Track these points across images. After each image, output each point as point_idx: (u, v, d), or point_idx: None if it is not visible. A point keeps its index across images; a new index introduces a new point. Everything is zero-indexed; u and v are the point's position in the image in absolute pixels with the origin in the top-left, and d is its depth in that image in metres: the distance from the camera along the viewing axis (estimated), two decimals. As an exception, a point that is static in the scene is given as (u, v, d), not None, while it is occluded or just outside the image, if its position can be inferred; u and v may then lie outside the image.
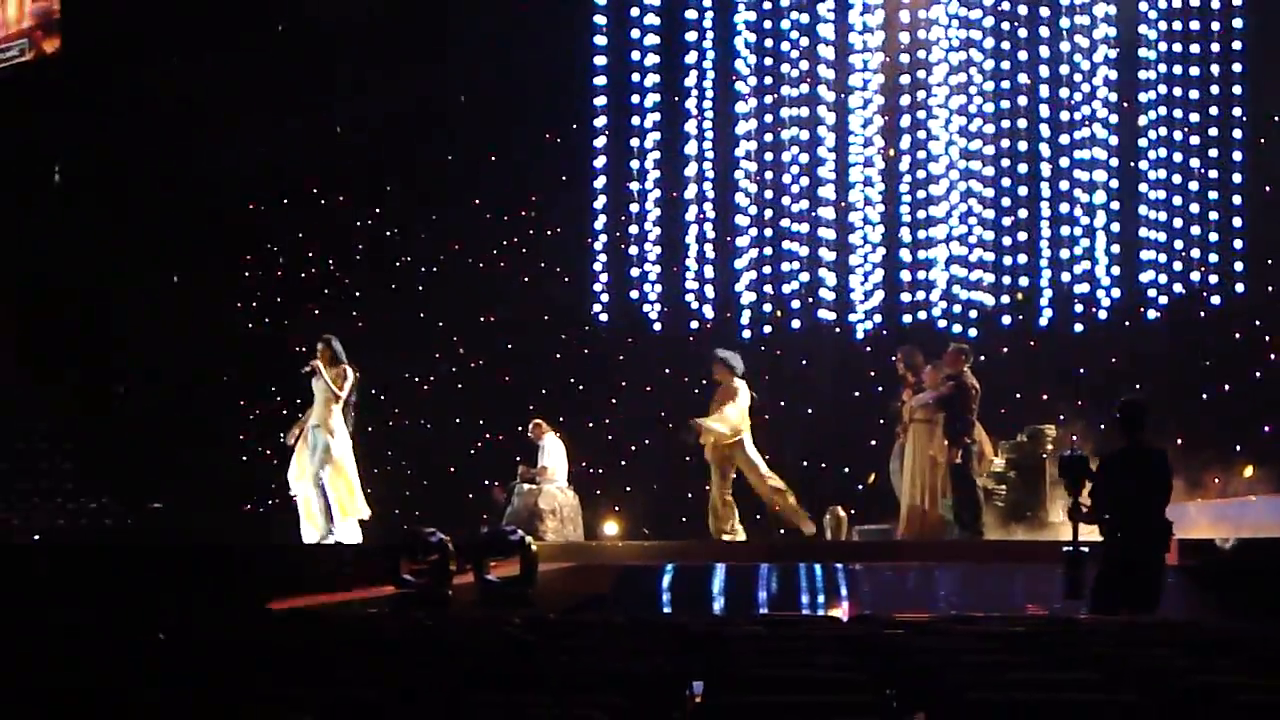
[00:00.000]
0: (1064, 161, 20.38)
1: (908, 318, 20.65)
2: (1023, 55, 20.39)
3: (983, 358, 17.52)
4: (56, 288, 23.66)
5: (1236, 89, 20.00)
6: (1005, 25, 20.42)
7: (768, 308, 21.20)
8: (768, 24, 21.09)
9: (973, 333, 19.89)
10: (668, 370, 21.63)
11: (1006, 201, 20.48)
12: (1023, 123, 20.43)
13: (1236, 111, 20.02)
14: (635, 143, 21.44)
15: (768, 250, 21.26)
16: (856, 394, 20.44)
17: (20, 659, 7.07)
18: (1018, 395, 19.25)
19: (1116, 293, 20.17)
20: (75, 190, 24.45)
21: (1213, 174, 20.02)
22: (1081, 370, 19.96)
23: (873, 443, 18.70)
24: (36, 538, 21.26)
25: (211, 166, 22.03)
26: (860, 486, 19.32)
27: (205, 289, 22.75)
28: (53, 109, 23.73)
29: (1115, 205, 20.21)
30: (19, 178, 24.98)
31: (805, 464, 20.17)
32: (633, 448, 21.59)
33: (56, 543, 20.77)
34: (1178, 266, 20.07)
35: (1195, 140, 20.09)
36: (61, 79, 23.45)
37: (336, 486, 16.90)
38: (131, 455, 22.39)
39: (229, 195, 22.55)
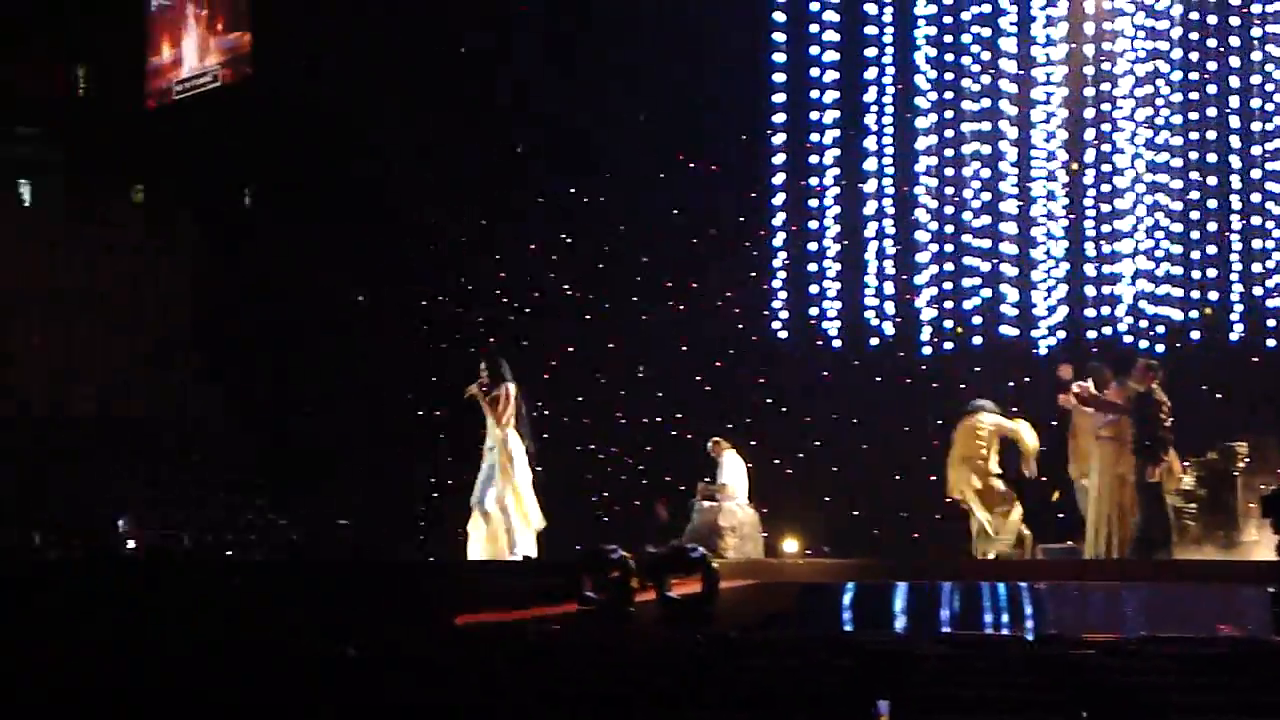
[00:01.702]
0: (1255, 173, 19.95)
1: (1093, 333, 20.34)
2: (1211, 65, 20.00)
3: (1171, 373, 17.18)
4: (245, 306, 24.18)
5: None
6: (1193, 35, 20.05)
7: (949, 324, 21.00)
8: (948, 38, 20.91)
9: (1160, 348, 19.54)
10: (847, 387, 21.52)
11: (1195, 214, 20.09)
12: (1211, 134, 20.03)
13: None
14: (814, 159, 21.37)
15: (949, 266, 21.06)
16: (1040, 410, 20.15)
17: (213, 674, 7.21)
18: (1207, 412, 18.85)
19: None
20: (265, 210, 24.99)
21: None
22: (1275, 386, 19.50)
23: (1057, 458, 18.42)
24: (229, 554, 21.71)
25: (395, 189, 22.38)
26: (1047, 504, 19.05)
27: (391, 308, 23.09)
28: (242, 132, 24.27)
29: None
30: (211, 199, 25.61)
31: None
32: (812, 465, 21.49)
33: (247, 559, 21.18)
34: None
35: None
36: (252, 103, 23.96)
37: (518, 508, 17.03)
38: (319, 472, 22.76)
39: (413, 215, 22.87)
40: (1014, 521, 17.56)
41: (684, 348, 22.17)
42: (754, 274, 21.89)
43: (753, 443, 20.03)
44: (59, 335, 27.05)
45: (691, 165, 22.04)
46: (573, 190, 22.63)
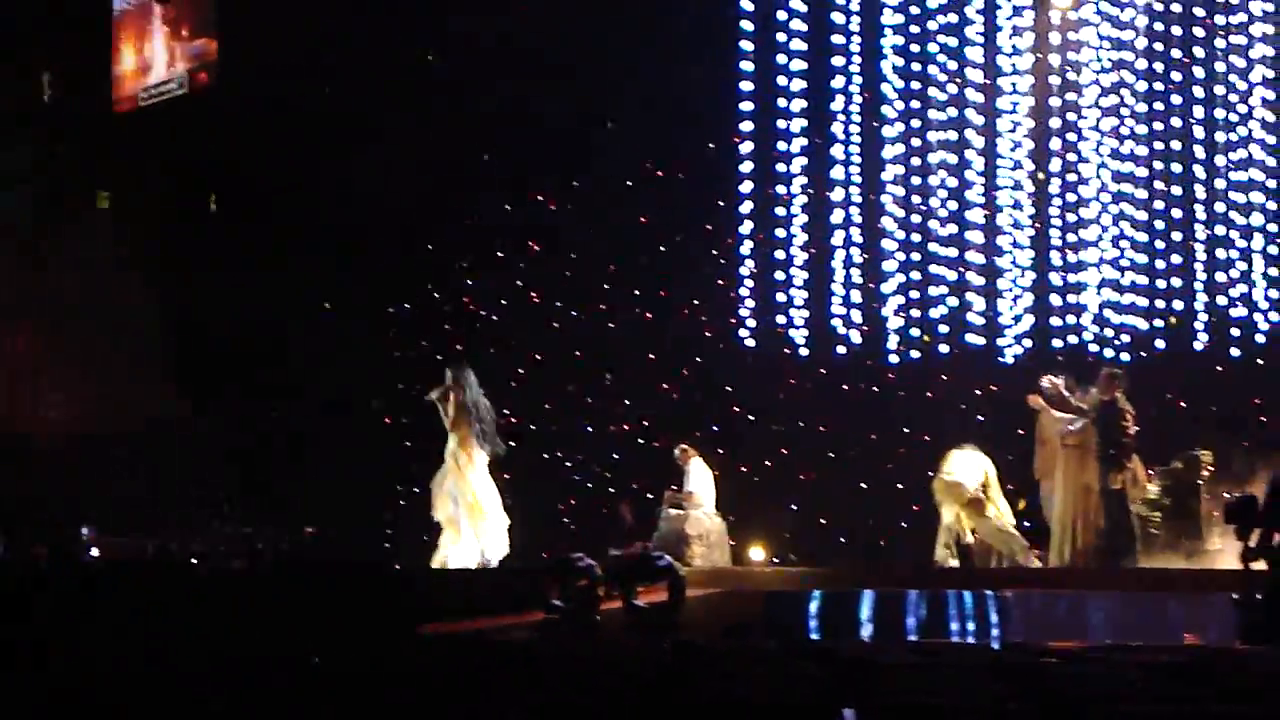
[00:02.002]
0: (1219, 183, 20.03)
1: (1058, 342, 20.40)
2: (1176, 76, 20.07)
3: (1136, 382, 17.25)
4: (212, 314, 24.10)
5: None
6: (1158, 46, 20.12)
7: (915, 332, 21.05)
8: (915, 48, 20.96)
9: (1125, 357, 19.61)
10: (814, 395, 21.55)
11: (1160, 224, 20.15)
12: (1176, 144, 20.10)
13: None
14: (781, 167, 21.40)
15: (915, 274, 21.10)
16: (1006, 419, 20.22)
17: (179, 679, 7.18)
18: (1172, 420, 18.92)
19: (1275, 316, 19.76)
20: (231, 218, 24.91)
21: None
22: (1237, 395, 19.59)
23: (1023, 469, 18.47)
24: (194, 561, 21.62)
25: (363, 193, 22.34)
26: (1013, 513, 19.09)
27: (359, 315, 23.05)
28: (208, 139, 24.19)
29: (1273, 227, 19.82)
30: (176, 206, 25.51)
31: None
32: (779, 473, 21.52)
33: (215, 566, 21.10)
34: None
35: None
36: (217, 110, 23.90)
37: (471, 512, 17.03)
38: (287, 480, 22.71)
39: (380, 221, 22.84)
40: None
41: (651, 355, 22.18)
42: (721, 282, 21.90)
43: (719, 450, 20.05)
44: (26, 343, 26.93)
45: (659, 173, 22.05)
46: (540, 197, 22.63)
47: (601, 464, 22.02)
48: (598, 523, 20.66)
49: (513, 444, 18.68)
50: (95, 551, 21.31)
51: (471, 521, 17.08)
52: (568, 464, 22.25)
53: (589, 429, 22.39)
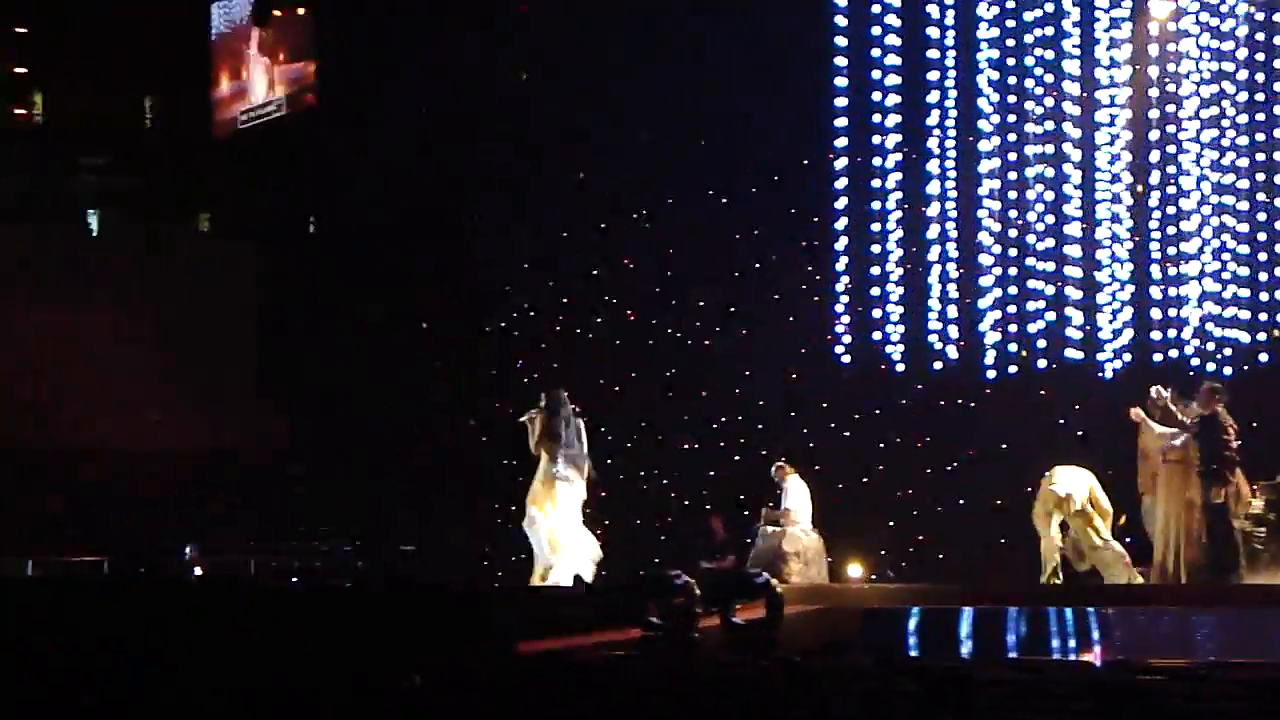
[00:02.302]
0: (1323, 194, 19.80)
1: (1159, 356, 20.19)
2: (1278, 86, 19.85)
3: (1239, 396, 17.03)
4: (311, 335, 24.33)
5: None
6: (1259, 56, 19.91)
7: (1013, 348, 20.89)
8: (1011, 61, 20.83)
9: (1227, 371, 19.38)
10: (911, 411, 21.45)
11: (1262, 236, 19.93)
12: (1278, 155, 19.87)
13: None
14: (877, 183, 21.33)
15: (1012, 289, 20.96)
16: (1105, 434, 20.02)
17: (280, 699, 7.25)
18: (1277, 435, 18.66)
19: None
20: (328, 239, 25.13)
21: None
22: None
23: (1124, 484, 18.29)
24: (295, 580, 21.80)
25: (458, 217, 22.51)
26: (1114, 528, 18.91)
27: (453, 335, 23.18)
28: (306, 161, 24.44)
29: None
30: (277, 227, 25.79)
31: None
32: (877, 490, 21.43)
33: (313, 584, 21.27)
34: None
35: None
36: (316, 132, 24.14)
37: (549, 535, 17.10)
38: (385, 498, 22.87)
39: (475, 241, 22.99)
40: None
41: (747, 372, 22.17)
42: (817, 298, 21.86)
43: (816, 467, 19.99)
44: (127, 366, 27.26)
45: (754, 190, 22.06)
46: (635, 216, 22.69)
47: (698, 481, 22.00)
48: (692, 539, 20.69)
49: (609, 461, 18.70)
50: (198, 570, 21.54)
51: (551, 551, 17.16)
52: (664, 481, 22.25)
53: (685, 446, 22.40)
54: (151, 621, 14.58)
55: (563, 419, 17.17)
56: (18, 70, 28.14)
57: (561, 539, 17.12)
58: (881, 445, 21.63)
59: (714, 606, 14.20)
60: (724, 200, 22.12)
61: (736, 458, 21.77)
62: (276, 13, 22.98)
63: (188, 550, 21.73)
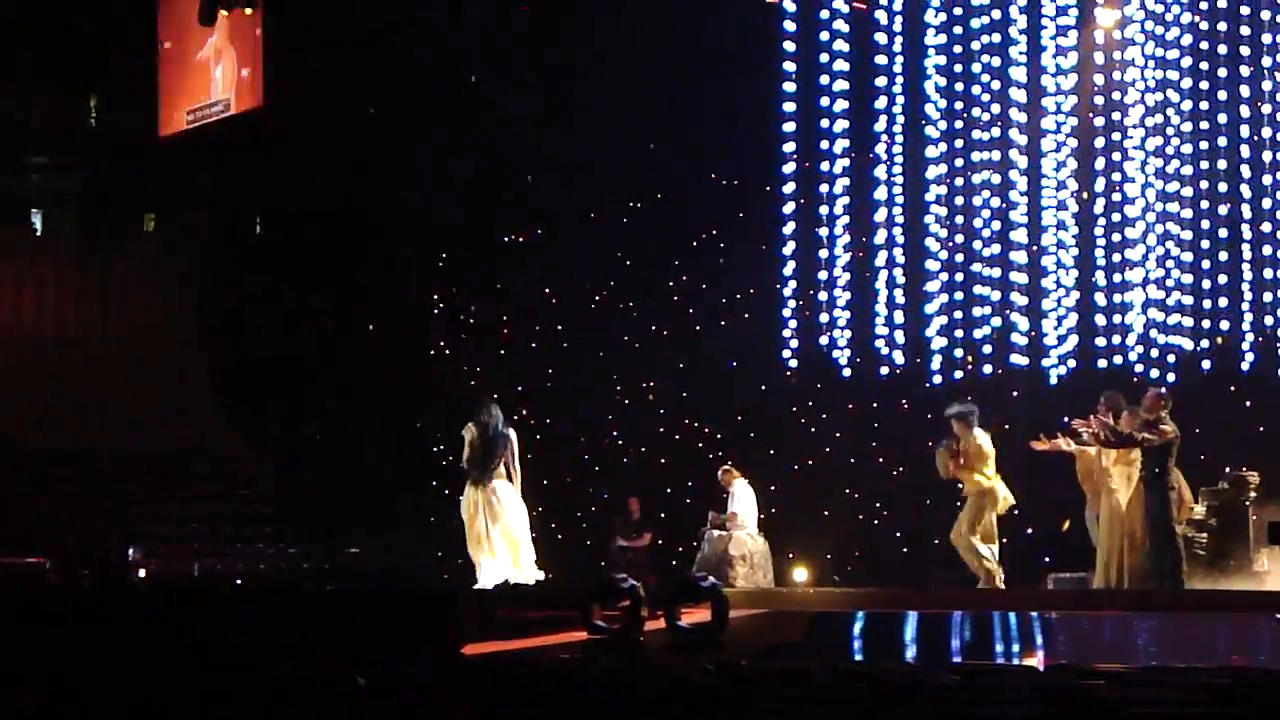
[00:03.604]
0: (1266, 202, 19.94)
1: (1103, 362, 20.30)
2: (1222, 95, 20.00)
3: (1182, 402, 17.14)
4: (257, 335, 24.23)
5: None
6: (1203, 65, 20.04)
7: (959, 353, 20.97)
8: (958, 68, 20.90)
9: (1171, 377, 19.50)
10: (856, 416, 21.52)
11: (1206, 244, 20.06)
12: (1222, 163, 20.02)
13: None
14: (824, 188, 21.36)
15: (958, 295, 21.03)
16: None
17: (223, 702, 7.21)
18: (1219, 441, 18.80)
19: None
20: (274, 240, 25.02)
21: None
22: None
23: (1067, 489, 18.38)
24: (239, 581, 21.72)
25: (406, 211, 22.45)
26: (1056, 534, 19.02)
27: (398, 337, 23.14)
28: (253, 161, 24.33)
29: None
30: (223, 228, 25.65)
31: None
32: (823, 494, 21.49)
33: (258, 586, 21.19)
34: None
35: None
36: (263, 132, 24.01)
37: (489, 543, 17.12)
38: (329, 500, 22.80)
39: (418, 243, 22.97)
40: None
41: (693, 375, 22.19)
42: (763, 302, 21.90)
43: (762, 471, 20.03)
44: (72, 365, 27.08)
45: (702, 193, 22.09)
46: (584, 219, 22.69)
47: (644, 486, 21.99)
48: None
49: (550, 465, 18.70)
50: (142, 573, 21.42)
51: (507, 548, 17.16)
52: (610, 486, 22.26)
53: (630, 449, 22.43)
54: (91, 623, 14.49)
55: (495, 431, 17.23)
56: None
57: (501, 545, 17.16)
58: (827, 449, 21.69)
59: (659, 610, 14.21)
60: (672, 204, 22.14)
61: (683, 462, 21.80)
62: (223, 13, 22.83)
63: (131, 552, 21.61)
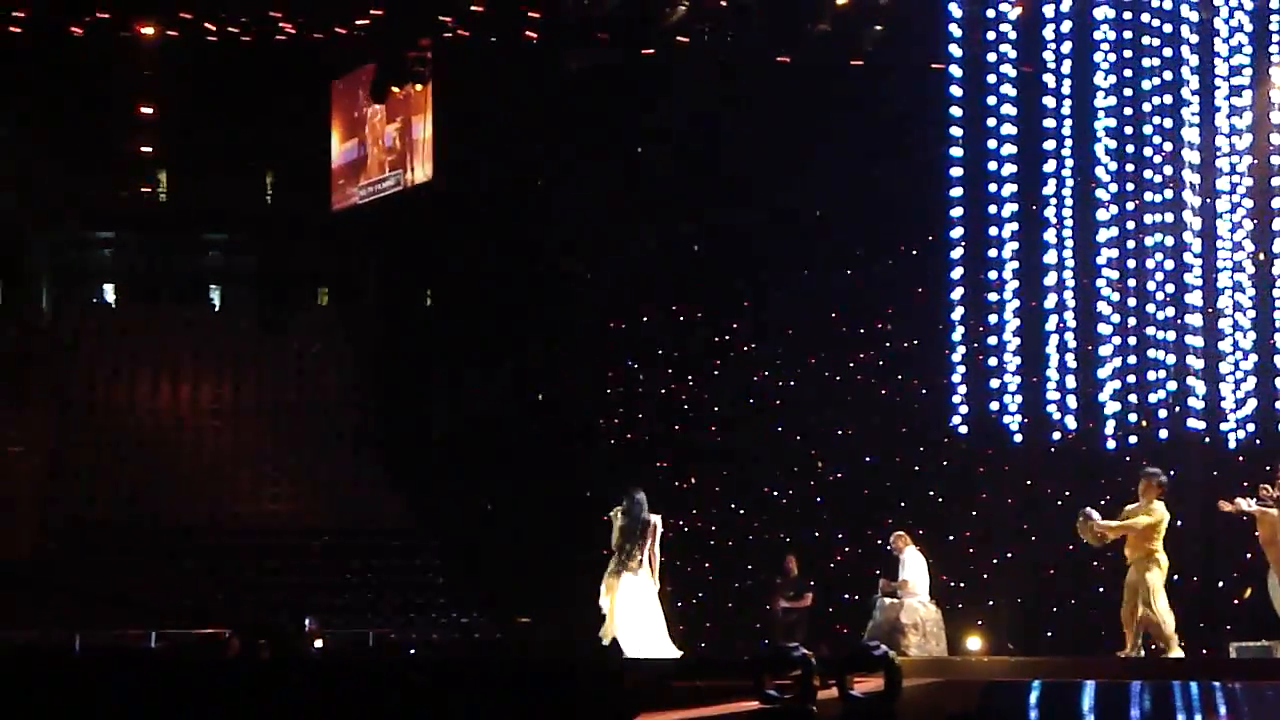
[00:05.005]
0: None
1: (1284, 426, 19.88)
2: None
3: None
4: (428, 407, 24.53)
5: None
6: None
7: (1133, 418, 20.62)
8: (1129, 130, 20.66)
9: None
10: (1029, 482, 21.26)
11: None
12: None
13: None
14: (993, 252, 21.18)
15: (1132, 359, 20.70)
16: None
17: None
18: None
19: None
20: (445, 311, 25.36)
21: None
22: None
23: (1248, 555, 17.99)
24: (412, 652, 21.90)
25: (573, 282, 22.66)
26: (1236, 602, 18.61)
27: (568, 404, 23.31)
28: (425, 235, 24.72)
29: None
30: (395, 300, 26.05)
31: (1176, 578, 19.51)
32: (995, 561, 21.24)
33: (429, 657, 21.34)
34: None
35: None
36: (432, 207, 24.42)
37: (635, 624, 17.15)
38: (499, 571, 22.95)
39: (590, 310, 23.14)
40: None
41: (866, 444, 22.09)
42: (935, 369, 21.75)
43: (933, 538, 19.86)
44: (246, 438, 27.60)
45: (872, 259, 22.06)
46: (752, 286, 22.76)
47: (820, 556, 21.88)
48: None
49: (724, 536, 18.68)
50: (319, 643, 21.69)
51: (633, 633, 17.26)
52: (781, 551, 22.18)
53: (806, 518, 22.37)
54: (270, 693, 14.70)
55: (638, 518, 17.33)
56: (143, 150, 28.71)
57: (624, 630, 17.25)
58: (1000, 516, 21.45)
59: (831, 679, 14.09)
60: (845, 270, 22.13)
61: (857, 530, 21.68)
62: (395, 89, 23.28)
63: (308, 623, 21.91)
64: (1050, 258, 21.00)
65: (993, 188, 21.07)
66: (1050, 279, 21.01)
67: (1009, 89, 20.92)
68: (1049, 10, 20.55)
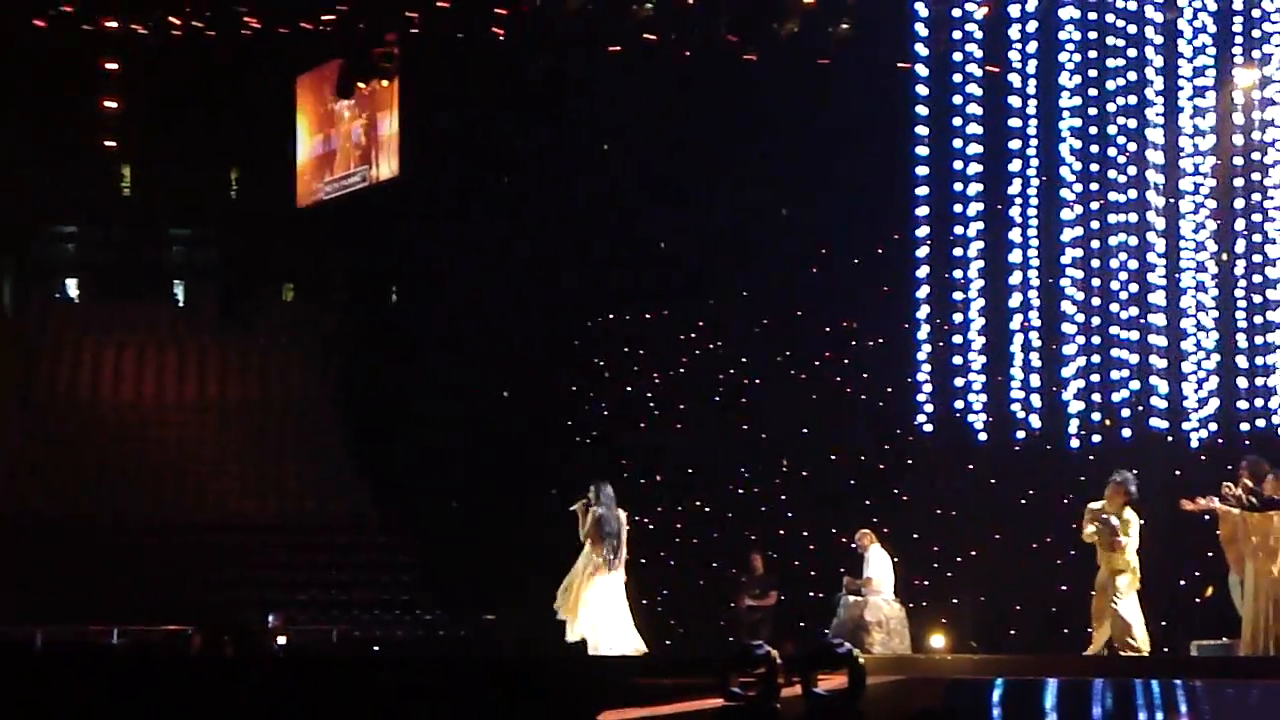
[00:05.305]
0: None
1: (1245, 425, 19.97)
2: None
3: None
4: (391, 399, 24.48)
5: None
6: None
7: (1096, 416, 20.71)
8: (1093, 129, 20.74)
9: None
10: (994, 480, 21.32)
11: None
12: (1365, 222, 19.70)
13: None
14: (958, 251, 21.24)
15: (1096, 358, 20.79)
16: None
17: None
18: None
19: None
20: (410, 307, 25.31)
21: None
22: None
23: (1209, 554, 18.08)
24: (376, 649, 21.86)
25: (538, 282, 22.63)
26: (1198, 600, 18.70)
27: (534, 404, 23.29)
28: (390, 231, 24.67)
29: None
30: (361, 297, 25.99)
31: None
32: (959, 559, 21.30)
33: (393, 654, 21.30)
34: None
35: None
36: (398, 202, 24.38)
37: (607, 622, 17.16)
38: (464, 568, 22.92)
39: (556, 310, 23.12)
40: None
41: (831, 442, 22.12)
42: (900, 368, 21.80)
43: (898, 536, 19.90)
44: (210, 434, 27.51)
45: (836, 258, 22.08)
46: (718, 285, 22.77)
47: (781, 553, 21.92)
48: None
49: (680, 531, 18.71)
50: (282, 640, 21.63)
51: (594, 624, 17.27)
52: (745, 547, 22.21)
53: (766, 516, 22.38)
54: (233, 689, 14.65)
55: (608, 512, 17.34)
56: (107, 144, 28.58)
57: (592, 625, 17.26)
58: (964, 514, 21.50)
59: (795, 677, 14.11)
60: (810, 268, 22.15)
61: (820, 528, 21.71)
62: (360, 85, 23.24)
63: (271, 619, 21.85)
64: (1015, 257, 21.08)
65: (958, 187, 21.14)
66: (1015, 278, 21.09)
67: (974, 88, 20.98)
68: (1014, 10, 20.61)
